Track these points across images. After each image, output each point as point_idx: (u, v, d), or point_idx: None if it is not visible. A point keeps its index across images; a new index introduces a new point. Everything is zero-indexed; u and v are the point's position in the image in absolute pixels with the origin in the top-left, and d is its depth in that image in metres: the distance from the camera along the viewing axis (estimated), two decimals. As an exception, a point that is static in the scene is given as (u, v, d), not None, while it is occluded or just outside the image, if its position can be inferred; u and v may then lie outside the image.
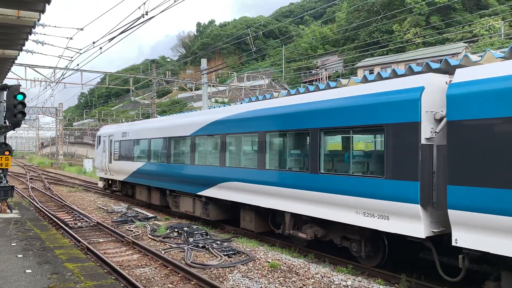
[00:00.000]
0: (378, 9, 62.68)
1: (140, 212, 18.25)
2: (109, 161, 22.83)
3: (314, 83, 41.99)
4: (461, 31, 54.83)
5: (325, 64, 69.77)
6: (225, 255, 10.72)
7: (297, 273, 9.32)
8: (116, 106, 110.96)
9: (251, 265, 9.96)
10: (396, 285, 8.92)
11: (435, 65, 9.91)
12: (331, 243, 10.85)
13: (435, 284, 8.61)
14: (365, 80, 11.22)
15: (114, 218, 17.06)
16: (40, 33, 19.96)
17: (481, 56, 9.02)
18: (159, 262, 10.50)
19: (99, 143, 24.74)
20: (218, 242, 12.18)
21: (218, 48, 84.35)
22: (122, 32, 13.06)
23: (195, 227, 14.11)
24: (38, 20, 10.67)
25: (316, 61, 72.93)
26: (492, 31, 50.98)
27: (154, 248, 11.62)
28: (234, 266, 9.89)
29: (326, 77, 63.68)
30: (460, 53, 43.76)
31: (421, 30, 57.43)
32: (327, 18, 79.99)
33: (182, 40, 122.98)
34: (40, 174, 42.93)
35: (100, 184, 25.56)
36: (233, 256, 10.79)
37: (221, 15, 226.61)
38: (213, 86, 38.29)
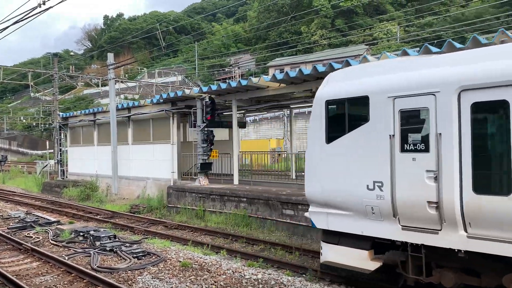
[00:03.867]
0: (287, 10, 64.78)
1: (41, 217, 16.96)
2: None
3: (227, 81, 42.13)
4: (363, 34, 58.74)
5: (238, 63, 70.55)
6: (134, 257, 10.37)
7: (209, 270, 9.32)
8: (14, 103, 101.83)
9: (162, 266, 9.76)
10: (304, 275, 9.33)
11: (337, 66, 10.53)
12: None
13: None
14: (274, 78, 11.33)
15: (11, 224, 15.67)
16: None
17: (378, 58, 9.74)
18: (62, 269, 9.84)
19: (357, 122, 7.47)
20: (127, 244, 11.74)
21: (127, 43, 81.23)
22: (16, 22, 11.99)
23: (102, 229, 13.46)
24: None
25: (229, 59, 73.45)
26: (389, 35, 55.34)
27: (56, 254, 10.87)
28: (144, 268, 9.62)
29: (239, 75, 64.41)
30: (361, 54, 46.89)
31: (327, 32, 60.48)
32: (239, 16, 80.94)
33: (88, 33, 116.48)
34: None
35: (360, 262, 7.59)
36: (143, 258, 10.47)
37: (131, 9, 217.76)
38: (121, 82, 36.79)
